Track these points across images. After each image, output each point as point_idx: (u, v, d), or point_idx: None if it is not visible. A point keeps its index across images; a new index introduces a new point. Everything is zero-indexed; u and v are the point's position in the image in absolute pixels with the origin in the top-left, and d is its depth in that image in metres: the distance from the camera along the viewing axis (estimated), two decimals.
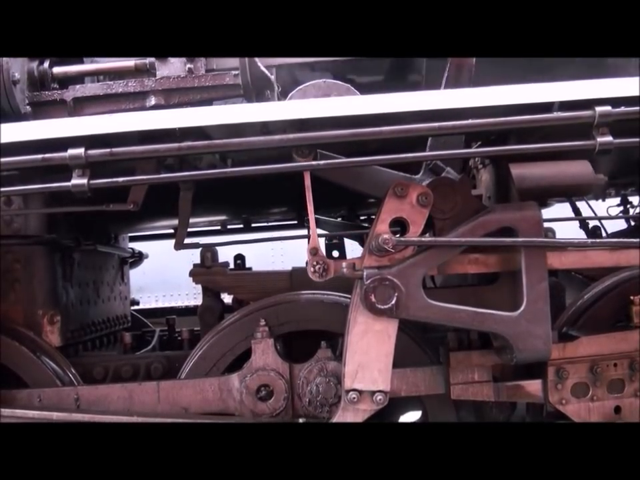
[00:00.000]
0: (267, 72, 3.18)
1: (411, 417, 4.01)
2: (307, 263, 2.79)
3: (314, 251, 2.77)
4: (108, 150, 2.53)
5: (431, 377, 3.12)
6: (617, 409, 3.00)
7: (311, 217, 2.82)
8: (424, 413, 3.54)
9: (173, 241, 3.71)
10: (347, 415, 2.78)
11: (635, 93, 2.52)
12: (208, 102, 3.18)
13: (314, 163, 2.57)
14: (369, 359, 2.74)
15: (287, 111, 2.54)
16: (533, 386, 3.03)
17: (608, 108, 2.51)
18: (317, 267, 2.76)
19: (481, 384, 3.02)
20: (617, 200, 5.27)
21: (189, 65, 3.14)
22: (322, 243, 4.87)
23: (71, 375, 3.57)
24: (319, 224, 4.80)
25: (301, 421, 2.89)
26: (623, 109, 2.53)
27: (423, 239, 2.80)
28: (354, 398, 2.74)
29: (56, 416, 3.07)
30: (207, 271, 3.85)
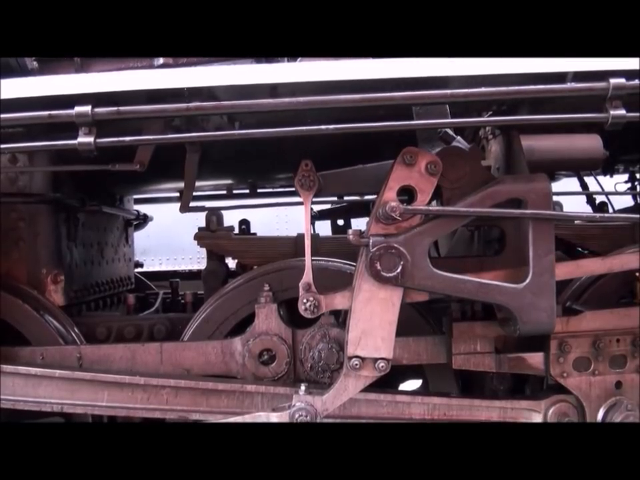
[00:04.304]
0: None
1: (412, 385, 4.04)
2: None
3: (306, 287, 2.77)
4: (115, 108, 2.49)
5: (433, 347, 3.14)
6: (618, 384, 3.01)
7: (307, 249, 2.81)
8: (425, 382, 3.56)
9: (178, 204, 3.71)
10: (348, 381, 2.78)
11: None
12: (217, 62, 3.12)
13: (323, 127, 2.52)
14: (372, 327, 2.73)
15: (297, 72, 2.50)
16: (535, 358, 3.04)
17: (622, 80, 2.46)
18: (308, 304, 2.77)
19: (483, 355, 3.04)
20: (625, 176, 5.22)
21: None
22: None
23: (74, 335, 3.59)
24: (321, 214, 4.82)
25: (302, 387, 2.89)
26: (637, 81, 2.48)
27: (431, 207, 2.78)
28: (356, 364, 2.74)
29: (58, 373, 3.09)
30: (212, 235, 3.85)
